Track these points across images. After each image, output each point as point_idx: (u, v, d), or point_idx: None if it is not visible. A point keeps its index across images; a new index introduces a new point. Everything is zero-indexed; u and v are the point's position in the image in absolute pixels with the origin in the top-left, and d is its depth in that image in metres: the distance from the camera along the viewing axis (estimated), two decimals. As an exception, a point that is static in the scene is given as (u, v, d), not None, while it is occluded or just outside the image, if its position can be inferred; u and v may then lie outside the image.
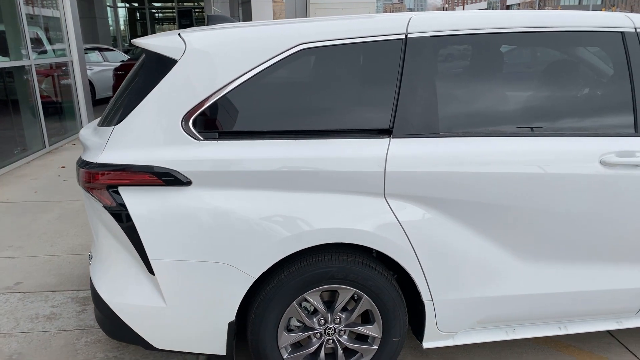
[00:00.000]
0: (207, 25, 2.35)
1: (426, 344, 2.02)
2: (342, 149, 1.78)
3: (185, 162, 1.73)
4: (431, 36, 1.86)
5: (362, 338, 2.02)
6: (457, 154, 1.82)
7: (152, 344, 1.90)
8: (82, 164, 1.81)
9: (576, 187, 1.89)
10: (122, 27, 22.68)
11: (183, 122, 1.76)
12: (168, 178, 1.73)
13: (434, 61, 1.86)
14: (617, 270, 2.04)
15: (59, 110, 7.06)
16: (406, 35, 1.85)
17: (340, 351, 1.99)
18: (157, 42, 1.82)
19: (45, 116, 6.40)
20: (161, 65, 1.79)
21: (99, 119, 2.18)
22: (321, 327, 1.96)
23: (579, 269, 2.01)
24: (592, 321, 2.15)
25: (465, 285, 1.93)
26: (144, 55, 1.92)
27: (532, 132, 1.89)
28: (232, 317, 1.84)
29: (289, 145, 1.77)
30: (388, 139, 1.81)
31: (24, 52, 6.03)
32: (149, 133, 1.76)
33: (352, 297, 1.94)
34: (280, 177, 1.75)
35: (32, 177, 5.13)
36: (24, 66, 5.99)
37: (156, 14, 25.06)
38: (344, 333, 1.99)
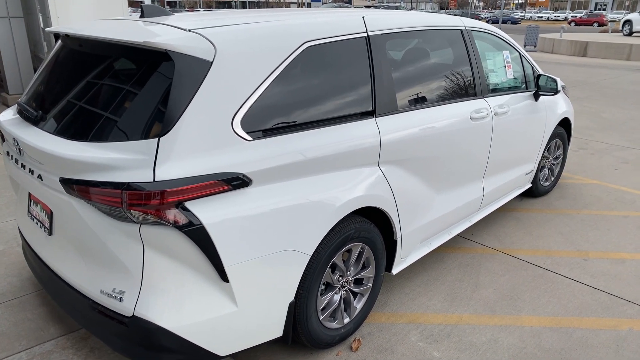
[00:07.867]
0: (144, 16, 2.15)
1: (394, 271, 2.65)
2: (352, 130, 2.14)
3: (246, 163, 1.77)
4: (382, 34, 2.37)
5: (360, 281, 2.48)
6: (408, 123, 2.44)
7: (218, 354, 1.87)
8: (124, 186, 1.57)
9: (463, 136, 2.81)
10: None
11: (233, 125, 1.75)
12: (236, 182, 1.73)
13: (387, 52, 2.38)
14: (473, 186, 3.13)
15: None
16: (367, 34, 2.30)
17: (351, 297, 2.40)
18: (181, 43, 1.70)
19: None
20: (192, 68, 1.70)
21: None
22: (339, 283, 2.32)
23: (460, 191, 3.00)
24: (460, 224, 3.22)
25: (415, 219, 2.64)
26: (139, 56, 1.73)
27: (444, 101, 2.69)
28: (292, 297, 2.01)
29: (318, 134, 2.01)
30: (374, 119, 2.27)
31: None
32: (202, 140, 1.69)
33: (359, 250, 2.36)
34: (317, 163, 1.99)
35: None
36: None
37: None
38: (352, 282, 2.41)
